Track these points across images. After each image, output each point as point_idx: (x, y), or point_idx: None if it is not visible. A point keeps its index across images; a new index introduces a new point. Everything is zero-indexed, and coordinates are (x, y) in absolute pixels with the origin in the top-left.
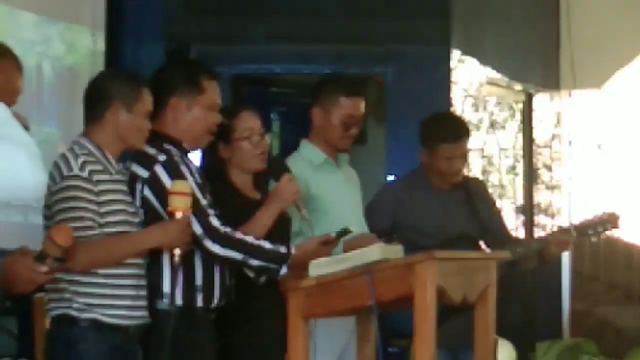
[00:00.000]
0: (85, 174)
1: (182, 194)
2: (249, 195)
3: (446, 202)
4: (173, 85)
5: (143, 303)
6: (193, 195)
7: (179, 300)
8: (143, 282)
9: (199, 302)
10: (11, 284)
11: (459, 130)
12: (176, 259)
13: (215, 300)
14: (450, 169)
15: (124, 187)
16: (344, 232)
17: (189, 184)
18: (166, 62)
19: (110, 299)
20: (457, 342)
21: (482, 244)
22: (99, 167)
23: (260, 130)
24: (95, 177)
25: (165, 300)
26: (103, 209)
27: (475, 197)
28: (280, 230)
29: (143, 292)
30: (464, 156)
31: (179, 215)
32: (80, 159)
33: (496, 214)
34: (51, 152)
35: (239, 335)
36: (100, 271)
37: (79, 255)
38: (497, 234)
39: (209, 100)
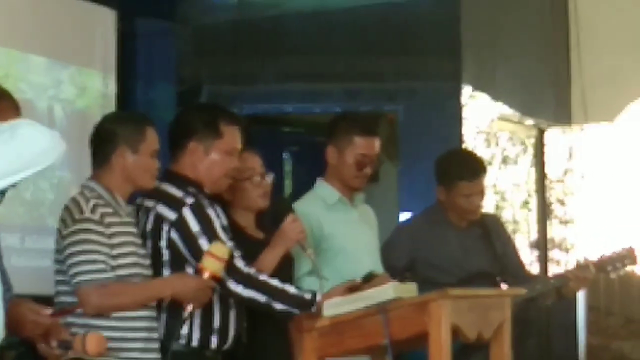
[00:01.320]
0: (96, 217)
1: (217, 257)
2: (253, 235)
3: (463, 239)
4: (192, 130)
5: (155, 345)
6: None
7: (194, 342)
8: (155, 324)
9: (213, 343)
10: (16, 328)
11: (477, 167)
12: (186, 314)
13: (229, 343)
14: (469, 206)
15: (134, 229)
16: (370, 276)
17: (227, 249)
18: (187, 106)
19: (124, 342)
20: None
21: (499, 280)
22: (109, 210)
23: (261, 169)
24: (107, 220)
25: (182, 341)
26: (115, 251)
27: (492, 233)
28: (284, 271)
29: (155, 335)
30: (482, 193)
31: (206, 275)
32: (92, 202)
33: (513, 250)
34: (63, 195)
35: None
36: (114, 314)
37: (93, 300)
38: (514, 270)
39: (227, 145)
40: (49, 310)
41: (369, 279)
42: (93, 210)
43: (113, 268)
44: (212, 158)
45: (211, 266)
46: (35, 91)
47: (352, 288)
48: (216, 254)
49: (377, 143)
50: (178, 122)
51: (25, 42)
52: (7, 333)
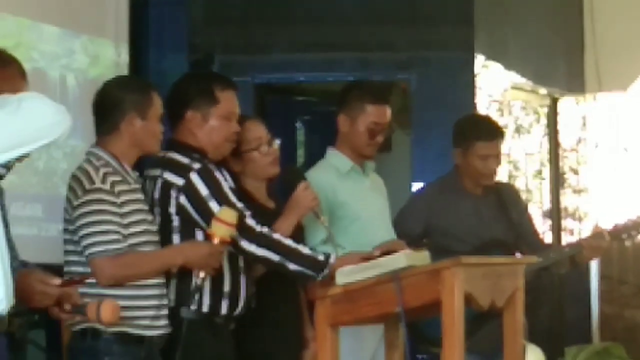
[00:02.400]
0: (107, 187)
1: (226, 223)
2: (265, 205)
3: (479, 207)
4: (188, 99)
5: (165, 312)
6: (228, 205)
7: (205, 308)
8: (165, 292)
9: (224, 309)
10: (26, 297)
11: (494, 129)
12: (198, 281)
13: (239, 308)
14: (485, 168)
15: (142, 196)
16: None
17: (235, 214)
18: (181, 76)
19: (135, 311)
20: (490, 347)
21: (515, 249)
22: (118, 178)
23: (267, 137)
24: (117, 189)
25: (193, 307)
26: (126, 220)
27: (507, 202)
28: (294, 239)
29: (166, 302)
30: (498, 157)
31: (215, 240)
32: (101, 171)
33: (528, 219)
34: (76, 164)
35: (256, 341)
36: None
37: (107, 271)
38: (529, 239)
39: (224, 110)
40: (57, 281)
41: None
42: (104, 180)
43: (125, 237)
44: (211, 125)
45: (220, 231)
46: (47, 60)
47: (368, 258)
48: (224, 219)
49: (388, 111)
50: (174, 92)
51: (37, 11)
52: (16, 302)
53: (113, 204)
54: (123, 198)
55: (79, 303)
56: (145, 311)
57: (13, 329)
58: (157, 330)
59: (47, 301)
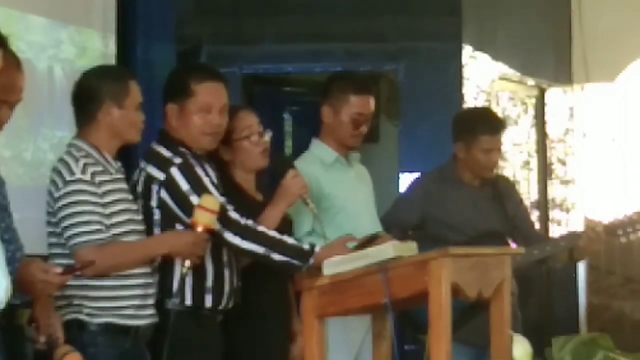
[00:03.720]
0: (87, 177)
1: (208, 210)
2: (254, 197)
3: (475, 198)
4: (167, 93)
5: (151, 302)
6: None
7: (188, 301)
8: (151, 280)
9: (208, 303)
10: (27, 288)
11: (498, 122)
12: (184, 270)
13: (224, 302)
14: (488, 161)
15: (125, 185)
16: (373, 237)
17: (218, 201)
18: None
19: (120, 301)
20: (481, 339)
21: (510, 241)
22: (99, 168)
23: (258, 127)
24: (98, 179)
25: (175, 300)
26: (108, 210)
27: (503, 194)
28: (284, 232)
29: (152, 291)
30: (500, 149)
31: (199, 229)
32: (81, 162)
33: (524, 212)
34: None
35: (243, 334)
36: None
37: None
38: (525, 231)
39: (200, 103)
40: (59, 269)
41: (373, 240)
42: (84, 171)
43: (108, 227)
44: (188, 117)
45: (203, 219)
46: (35, 51)
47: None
48: (207, 206)
49: (372, 101)
50: (165, 84)
51: (24, 2)
52: (19, 292)
53: (94, 194)
54: (104, 188)
55: (53, 337)
56: (129, 300)
57: (19, 320)
58: (142, 319)
59: (48, 290)
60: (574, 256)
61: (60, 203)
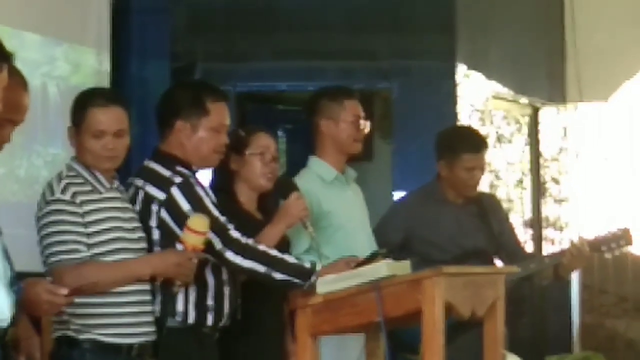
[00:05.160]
0: (67, 197)
1: (196, 232)
2: (254, 215)
3: (459, 216)
4: (178, 108)
5: (148, 319)
6: (211, 218)
7: (191, 319)
8: (148, 298)
9: (209, 321)
10: (32, 308)
11: (480, 140)
12: (175, 289)
13: (224, 320)
14: (470, 180)
15: (119, 204)
16: (374, 255)
17: (206, 222)
18: (173, 84)
19: (110, 318)
20: (472, 358)
21: (495, 258)
22: (86, 188)
23: (274, 152)
24: (80, 198)
25: (178, 319)
26: (91, 229)
27: (489, 212)
28: (280, 250)
29: (148, 308)
30: (483, 168)
31: (181, 247)
32: (63, 182)
33: (509, 229)
34: (57, 172)
35: (239, 352)
36: None
37: (67, 281)
38: (510, 248)
39: (214, 122)
40: (65, 290)
41: (373, 258)
42: (64, 191)
43: (89, 247)
44: (200, 136)
45: (190, 240)
46: (29, 68)
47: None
48: (194, 228)
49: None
50: (164, 101)
51: (18, 19)
52: (19, 311)
53: (73, 214)
54: (87, 207)
55: (33, 357)
56: (120, 318)
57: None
58: (137, 337)
59: (53, 310)
60: (559, 273)
61: (40, 223)
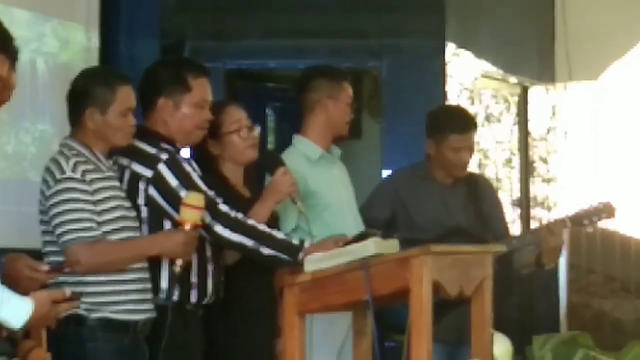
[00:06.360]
0: (78, 175)
1: (195, 207)
2: (241, 192)
3: (446, 195)
4: (160, 86)
5: (149, 296)
6: (204, 196)
7: (175, 296)
8: (148, 276)
9: (193, 298)
10: (13, 283)
11: (468, 121)
12: (177, 268)
13: (207, 297)
14: (457, 160)
15: (117, 183)
16: (363, 235)
17: (202, 198)
18: (154, 62)
19: (118, 295)
20: (454, 336)
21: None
22: (90, 167)
23: (247, 122)
24: (89, 177)
25: (162, 296)
26: (99, 208)
27: (480, 193)
28: (269, 227)
29: (149, 285)
30: (471, 148)
31: (187, 227)
32: (72, 160)
33: (499, 214)
34: (45, 149)
35: (227, 329)
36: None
37: (82, 258)
38: (497, 234)
39: (197, 98)
40: (45, 267)
41: (362, 237)
42: (74, 169)
43: (99, 225)
44: (183, 112)
45: (190, 216)
46: (18, 44)
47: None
48: (192, 203)
49: None
50: (146, 79)
51: None
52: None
53: (85, 192)
54: (95, 186)
55: (14, 336)
56: (127, 295)
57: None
58: (141, 314)
59: (34, 287)
60: (540, 260)
61: (52, 201)
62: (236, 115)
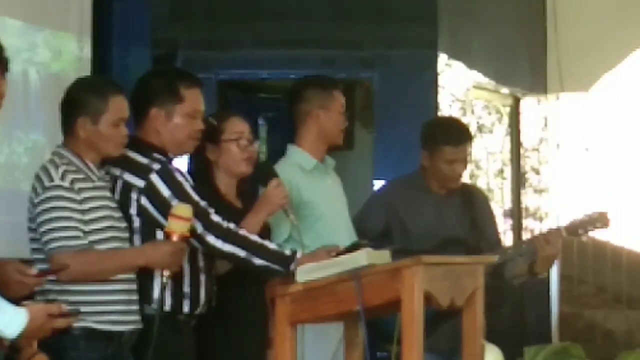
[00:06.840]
0: (66, 184)
1: (182, 218)
2: (233, 203)
3: (441, 206)
4: (152, 96)
5: (135, 307)
6: (192, 203)
7: (167, 307)
8: (134, 287)
9: (185, 308)
10: (2, 287)
11: (462, 133)
12: (164, 279)
13: (200, 307)
14: (451, 172)
15: (107, 193)
16: (355, 245)
17: (190, 208)
18: (146, 72)
19: (102, 306)
20: (447, 347)
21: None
22: (80, 176)
23: (248, 135)
24: (77, 186)
25: (154, 306)
26: (87, 217)
27: (475, 204)
28: (261, 237)
29: (135, 297)
30: (465, 161)
31: (174, 237)
32: (61, 169)
33: (493, 226)
34: (38, 159)
35: (219, 339)
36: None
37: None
38: (490, 244)
39: (189, 108)
40: (34, 271)
41: (354, 248)
42: (63, 177)
43: (86, 234)
44: (175, 122)
45: (177, 227)
46: (10, 54)
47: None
48: (179, 214)
49: None
50: (138, 89)
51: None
52: None
53: (73, 200)
54: (84, 195)
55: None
56: (112, 306)
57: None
58: (126, 325)
59: (23, 291)
60: (533, 270)
61: (39, 208)
62: (239, 127)
